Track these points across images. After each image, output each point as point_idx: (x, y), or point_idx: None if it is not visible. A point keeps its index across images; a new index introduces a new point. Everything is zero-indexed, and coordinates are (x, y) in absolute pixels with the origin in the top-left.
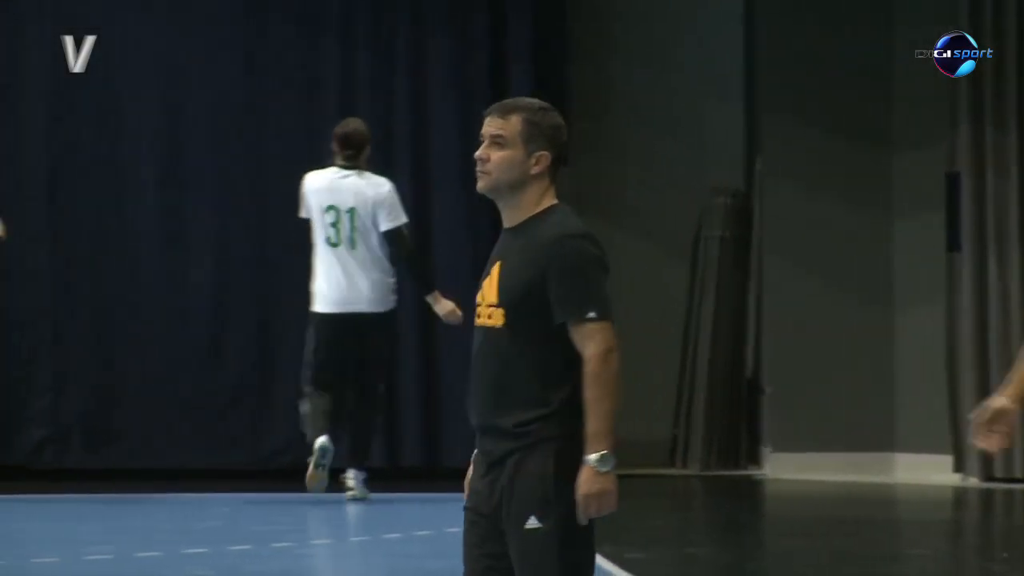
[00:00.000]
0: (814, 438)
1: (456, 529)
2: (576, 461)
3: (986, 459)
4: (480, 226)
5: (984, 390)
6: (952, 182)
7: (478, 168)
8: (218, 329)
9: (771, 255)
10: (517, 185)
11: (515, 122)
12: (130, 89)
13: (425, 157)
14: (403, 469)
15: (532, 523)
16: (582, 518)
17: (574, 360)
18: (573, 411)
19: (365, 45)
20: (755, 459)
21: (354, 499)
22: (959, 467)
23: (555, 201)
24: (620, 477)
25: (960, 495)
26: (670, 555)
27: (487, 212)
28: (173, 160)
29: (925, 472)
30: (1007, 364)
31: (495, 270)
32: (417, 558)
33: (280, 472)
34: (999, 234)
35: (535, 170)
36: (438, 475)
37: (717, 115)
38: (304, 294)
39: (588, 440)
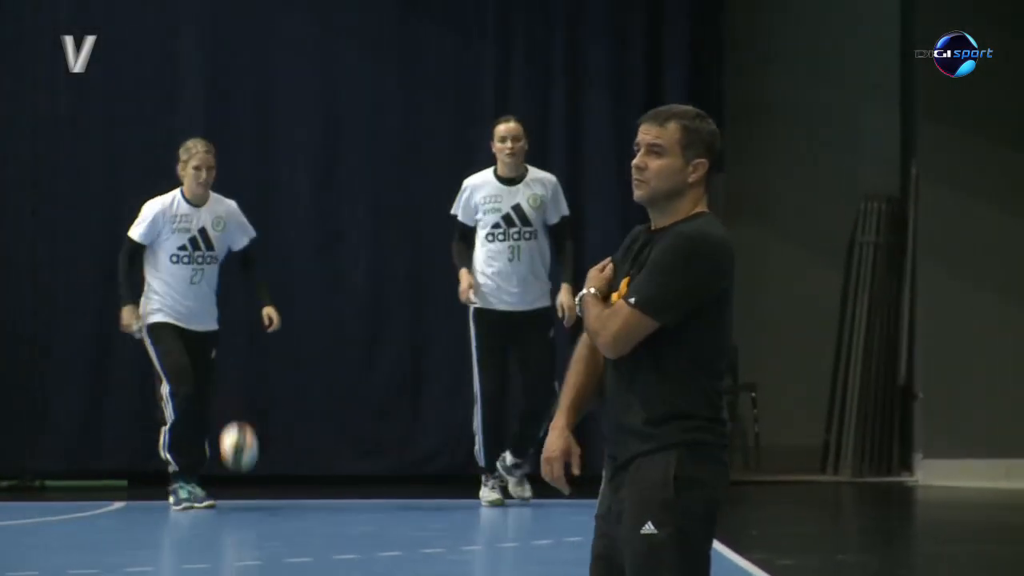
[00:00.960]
0: (967, 444)
1: None
2: (701, 468)
3: None
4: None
5: None
6: None
7: (635, 176)
8: (371, 334)
9: (925, 260)
10: (674, 194)
11: (672, 130)
12: (285, 97)
13: (579, 160)
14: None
15: (648, 529)
16: None
17: (703, 364)
18: (700, 416)
19: (519, 47)
20: (907, 465)
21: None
22: None
23: (704, 208)
24: (774, 484)
25: None
26: (821, 562)
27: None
28: (328, 166)
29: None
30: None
31: (632, 273)
32: (568, 564)
33: (431, 478)
34: None
35: (692, 178)
36: (587, 480)
37: (872, 119)
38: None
39: None
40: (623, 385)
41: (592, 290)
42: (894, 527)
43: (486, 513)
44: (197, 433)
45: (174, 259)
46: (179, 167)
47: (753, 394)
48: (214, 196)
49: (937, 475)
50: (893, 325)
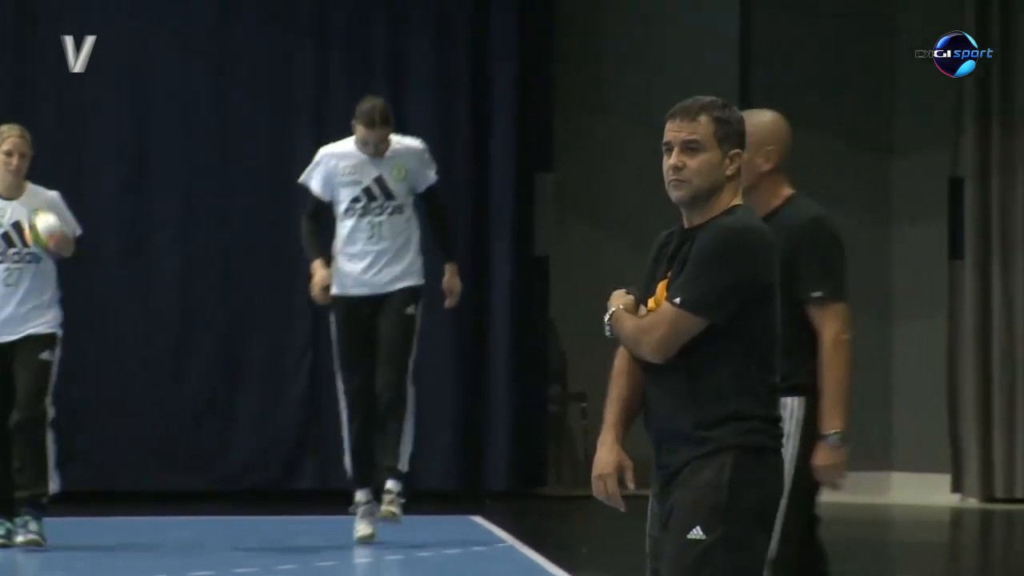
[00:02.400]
0: None
1: None
2: (757, 471)
3: (986, 479)
4: None
5: (986, 406)
6: (955, 187)
7: (673, 177)
8: (182, 342)
9: None
10: (716, 189)
11: (705, 123)
12: (94, 93)
13: None
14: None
15: (696, 534)
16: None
17: (754, 361)
18: (755, 417)
19: (338, 42)
20: None
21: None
22: (958, 487)
23: (740, 201)
24: (588, 498)
25: (958, 516)
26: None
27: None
28: (137, 167)
29: (922, 492)
30: (1010, 379)
31: (670, 275)
32: None
33: (243, 494)
34: (1004, 241)
35: (730, 171)
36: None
37: None
38: (273, 303)
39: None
40: (669, 389)
41: (620, 305)
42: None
43: (304, 530)
44: None
45: None
46: None
47: (583, 404)
48: (32, 187)
49: None
50: None
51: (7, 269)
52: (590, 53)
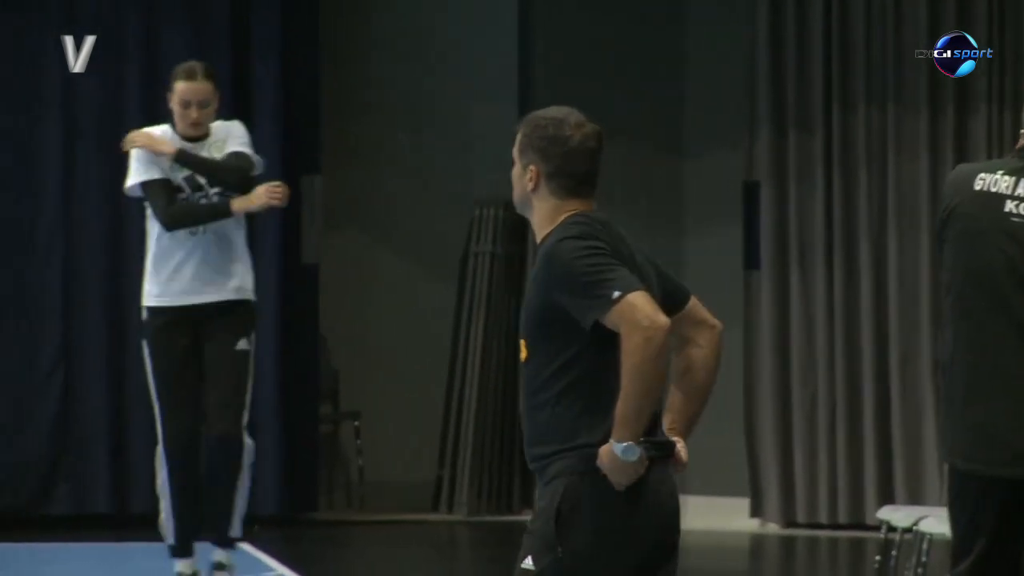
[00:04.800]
0: None
1: None
2: (587, 499)
3: (787, 503)
4: None
5: (785, 423)
6: (750, 192)
7: None
8: None
9: None
10: (524, 203)
11: (519, 136)
12: None
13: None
14: None
15: (527, 563)
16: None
17: (591, 389)
18: (591, 436)
19: (88, 32)
20: (529, 502)
21: None
22: (757, 511)
23: (567, 214)
24: (381, 523)
25: (758, 542)
26: None
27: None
28: None
29: (719, 517)
30: (811, 396)
31: None
32: None
33: None
34: (802, 250)
35: (529, 186)
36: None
37: (487, 117)
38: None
39: (615, 426)
40: (525, 415)
41: None
42: (512, 570)
43: (55, 558)
44: None
45: None
46: None
47: (356, 423)
48: None
49: None
50: (514, 345)
51: None
52: (359, 48)
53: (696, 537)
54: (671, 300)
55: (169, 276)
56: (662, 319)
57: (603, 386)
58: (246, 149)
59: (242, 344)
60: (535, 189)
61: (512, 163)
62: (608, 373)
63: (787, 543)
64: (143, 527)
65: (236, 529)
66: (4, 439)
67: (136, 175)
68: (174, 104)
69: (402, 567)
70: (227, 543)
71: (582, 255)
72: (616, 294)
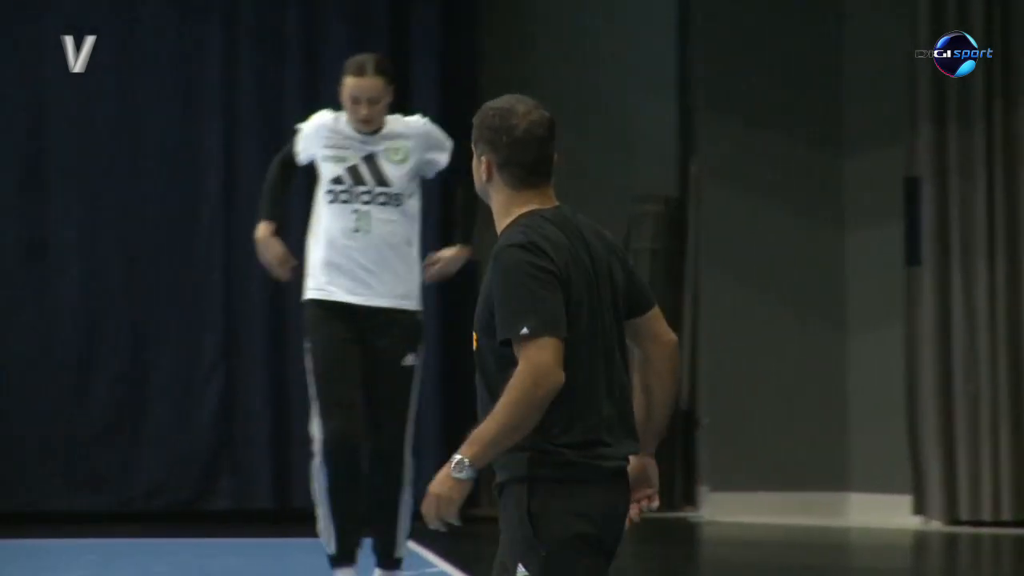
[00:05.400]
0: (757, 476)
1: None
2: (559, 497)
3: (950, 500)
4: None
5: (948, 420)
6: (911, 188)
7: None
8: (84, 354)
9: (708, 269)
10: (484, 194)
11: (473, 128)
12: None
13: None
14: None
15: (520, 571)
16: (426, 518)
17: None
18: (549, 442)
19: (248, 28)
20: (691, 499)
21: None
22: (920, 508)
23: (527, 208)
24: None
25: (921, 540)
26: None
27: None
28: (32, 163)
29: (882, 514)
30: (973, 392)
31: None
32: None
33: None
34: (964, 245)
35: (484, 176)
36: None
37: (647, 113)
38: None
39: (467, 439)
40: (480, 410)
41: None
42: (676, 568)
43: (216, 553)
44: None
45: None
46: None
47: None
48: None
49: (724, 510)
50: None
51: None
52: (518, 45)
53: (858, 534)
54: (633, 304)
55: (332, 272)
56: (557, 376)
57: (560, 389)
58: (446, 155)
59: (409, 360)
60: (489, 179)
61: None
62: (566, 371)
63: (950, 540)
64: (304, 522)
65: (400, 549)
66: (167, 435)
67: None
68: (344, 98)
69: None
70: (392, 564)
71: (518, 272)
72: (525, 331)
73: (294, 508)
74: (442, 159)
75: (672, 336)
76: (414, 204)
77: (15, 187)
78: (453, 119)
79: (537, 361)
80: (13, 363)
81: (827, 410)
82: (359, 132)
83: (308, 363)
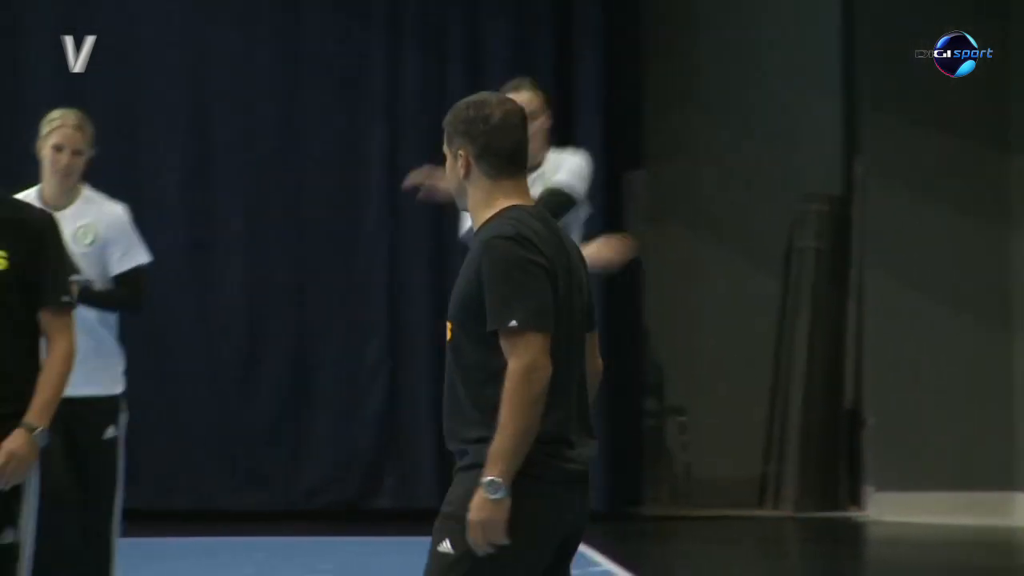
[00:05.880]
0: (923, 475)
1: None
2: (515, 490)
3: None
4: None
5: None
6: None
7: None
8: (249, 351)
9: (873, 269)
10: (460, 194)
11: (445, 129)
12: (153, 85)
13: None
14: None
15: (445, 547)
16: (473, 546)
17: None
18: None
19: (413, 31)
20: (856, 499)
21: None
22: None
23: (511, 202)
24: (706, 519)
25: None
26: None
27: None
28: (199, 162)
29: None
30: None
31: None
32: None
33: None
34: None
35: (462, 172)
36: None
37: (812, 112)
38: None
39: (487, 461)
40: (447, 396)
41: None
42: (841, 568)
43: (379, 551)
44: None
45: None
46: (38, 149)
47: (681, 419)
48: (87, 194)
49: (890, 510)
50: (837, 341)
51: None
52: (683, 42)
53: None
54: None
55: None
56: (546, 370)
57: None
58: (565, 178)
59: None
60: (467, 175)
61: None
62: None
63: None
64: None
65: None
66: (332, 435)
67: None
68: None
69: (727, 563)
70: None
71: (511, 264)
72: (513, 324)
73: None
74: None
75: (600, 364)
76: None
77: (180, 188)
78: (617, 117)
79: (526, 358)
80: (180, 364)
81: (993, 409)
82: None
83: None
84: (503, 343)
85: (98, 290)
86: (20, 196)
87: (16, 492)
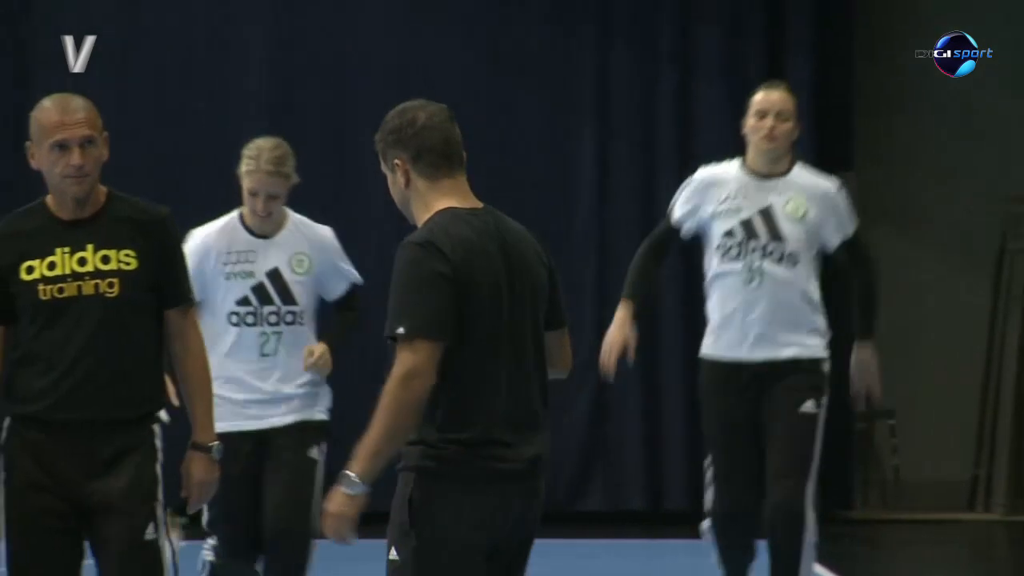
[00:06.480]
0: None
1: None
2: (439, 490)
3: None
4: None
5: None
6: None
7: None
8: None
9: None
10: (406, 207)
11: (378, 149)
12: (363, 90)
13: (690, 158)
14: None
15: (392, 554)
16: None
17: (439, 383)
18: (440, 436)
19: (623, 36)
20: None
21: None
22: None
23: (448, 203)
24: (916, 522)
25: None
26: None
27: None
28: None
29: None
30: None
31: None
32: None
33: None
34: None
35: (402, 182)
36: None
37: (1021, 111)
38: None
39: (353, 456)
40: None
41: None
42: None
43: (590, 554)
44: None
45: (233, 319)
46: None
47: (891, 422)
48: (294, 220)
49: None
50: None
51: (261, 334)
52: (894, 42)
53: None
54: (548, 317)
55: (721, 326)
56: (426, 379)
57: (456, 384)
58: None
59: (808, 407)
60: (407, 183)
61: None
62: (457, 375)
63: None
64: (678, 524)
65: None
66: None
67: None
68: (748, 119)
69: (937, 567)
70: None
71: (409, 271)
72: (401, 331)
73: (667, 510)
74: (834, 239)
75: (570, 362)
76: (811, 263)
77: (386, 199)
78: (828, 123)
79: (407, 364)
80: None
81: None
82: (765, 149)
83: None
84: (395, 350)
85: (336, 334)
86: (223, 218)
87: (154, 491)
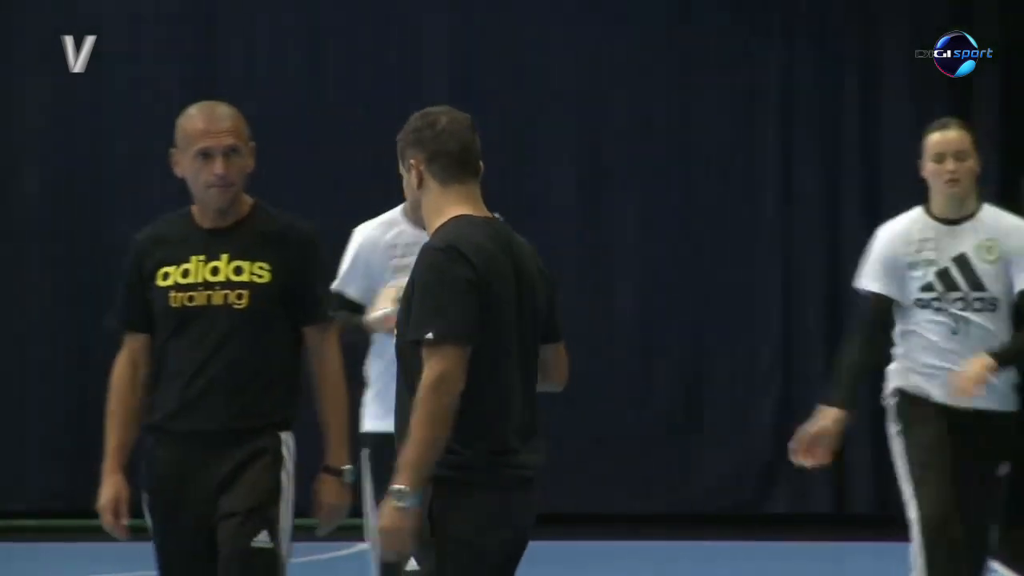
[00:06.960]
0: None
1: None
2: (460, 499)
3: None
4: None
5: None
6: None
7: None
8: (643, 357)
9: None
10: (416, 208)
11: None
12: (542, 91)
13: (876, 172)
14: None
15: (412, 565)
16: (383, 554)
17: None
18: (458, 444)
19: (807, 39)
20: None
21: None
22: None
23: (459, 212)
24: None
25: None
26: None
27: None
28: (592, 172)
29: None
30: None
31: None
32: None
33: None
34: None
35: (415, 183)
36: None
37: None
38: (738, 316)
39: (397, 469)
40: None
41: None
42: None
43: (774, 556)
44: None
45: None
46: None
47: None
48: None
49: None
50: None
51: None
52: None
53: None
54: (546, 331)
55: (925, 378)
56: (457, 384)
57: (476, 391)
58: None
59: (1003, 470)
60: (420, 184)
61: None
62: (478, 383)
63: None
64: (863, 527)
65: None
66: (726, 438)
67: None
68: (926, 164)
69: None
70: None
71: (436, 276)
72: (430, 336)
73: (853, 513)
74: (1020, 279)
75: (566, 376)
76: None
77: (574, 193)
78: (1014, 118)
79: (438, 370)
80: (574, 366)
81: None
82: (949, 194)
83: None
84: (422, 353)
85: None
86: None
87: (274, 497)
